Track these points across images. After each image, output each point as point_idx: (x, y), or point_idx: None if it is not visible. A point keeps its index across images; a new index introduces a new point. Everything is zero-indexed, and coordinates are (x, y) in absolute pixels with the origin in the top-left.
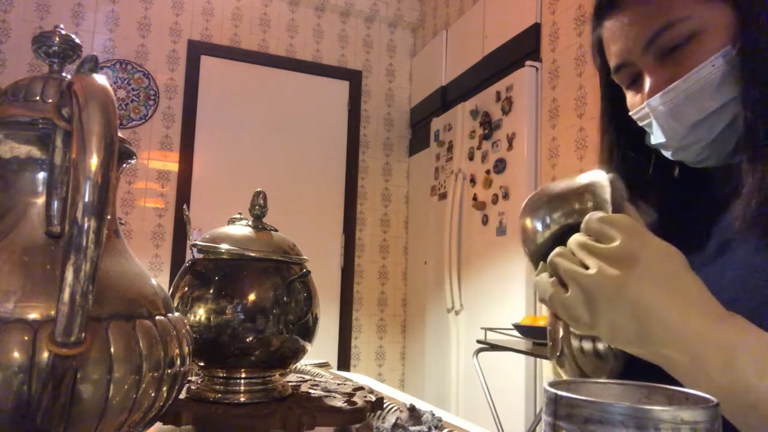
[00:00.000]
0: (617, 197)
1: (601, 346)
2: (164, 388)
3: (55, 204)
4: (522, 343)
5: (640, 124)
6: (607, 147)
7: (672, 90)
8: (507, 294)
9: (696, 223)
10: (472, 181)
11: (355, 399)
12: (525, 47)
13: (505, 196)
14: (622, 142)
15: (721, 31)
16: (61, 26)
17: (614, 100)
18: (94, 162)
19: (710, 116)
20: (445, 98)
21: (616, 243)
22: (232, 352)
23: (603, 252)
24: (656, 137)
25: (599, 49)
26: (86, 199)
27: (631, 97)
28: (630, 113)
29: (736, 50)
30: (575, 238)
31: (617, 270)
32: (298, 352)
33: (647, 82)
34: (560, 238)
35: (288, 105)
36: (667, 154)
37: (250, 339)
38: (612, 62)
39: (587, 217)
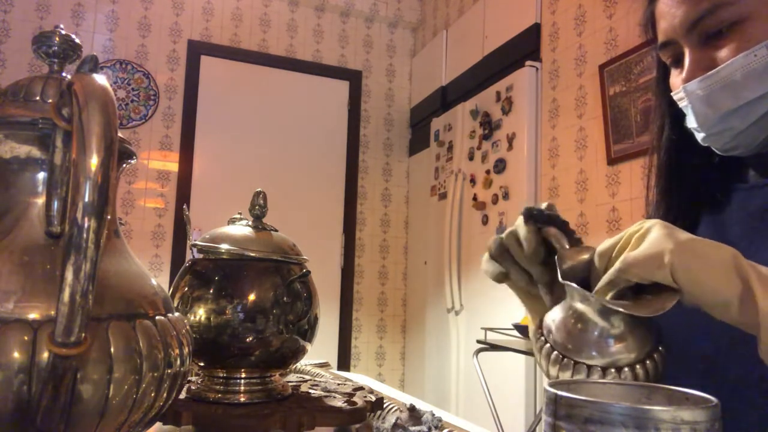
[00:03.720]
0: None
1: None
2: (164, 388)
3: (55, 204)
4: (522, 343)
5: (679, 105)
6: (659, 119)
7: (709, 77)
8: (507, 294)
9: (725, 210)
10: (472, 181)
11: (355, 399)
12: (525, 47)
13: (505, 196)
14: (672, 114)
15: None
16: (61, 26)
17: (668, 70)
18: (94, 162)
19: (745, 106)
20: (445, 98)
21: (625, 231)
22: (232, 352)
23: (628, 236)
24: (689, 121)
25: (652, 22)
26: (86, 199)
27: (674, 77)
28: (671, 93)
29: None
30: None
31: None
32: (298, 352)
33: (687, 65)
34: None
35: (288, 105)
36: (699, 137)
37: (250, 339)
38: (659, 38)
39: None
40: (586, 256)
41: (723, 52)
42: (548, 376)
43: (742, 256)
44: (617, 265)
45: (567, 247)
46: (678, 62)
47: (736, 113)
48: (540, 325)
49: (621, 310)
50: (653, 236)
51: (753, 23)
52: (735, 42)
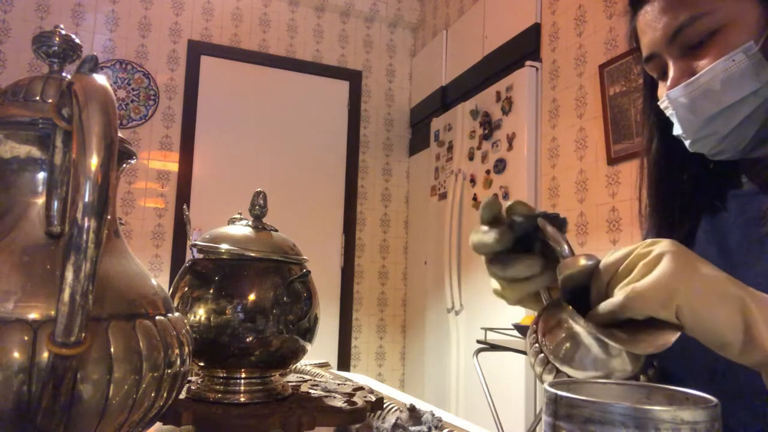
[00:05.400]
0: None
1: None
2: (164, 388)
3: (55, 204)
4: (522, 343)
5: (666, 114)
6: (648, 131)
7: (691, 83)
8: None
9: (723, 216)
10: (472, 181)
11: (355, 399)
12: (525, 47)
13: (505, 196)
14: (660, 127)
15: (746, 26)
16: (61, 26)
17: (654, 84)
18: (94, 162)
19: (726, 110)
20: (445, 98)
21: (634, 248)
22: (232, 352)
23: (636, 256)
24: (675, 129)
25: (636, 38)
26: (86, 199)
27: (661, 89)
28: (658, 103)
29: (758, 46)
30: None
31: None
32: (298, 352)
33: (670, 74)
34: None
35: (288, 105)
36: (687, 144)
37: (250, 339)
38: (643, 53)
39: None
40: (586, 263)
41: (704, 61)
42: (541, 380)
43: (752, 299)
44: (621, 298)
45: (566, 247)
46: (664, 74)
47: (719, 117)
48: (535, 321)
49: (618, 346)
50: (663, 269)
51: (731, 31)
52: (715, 50)
